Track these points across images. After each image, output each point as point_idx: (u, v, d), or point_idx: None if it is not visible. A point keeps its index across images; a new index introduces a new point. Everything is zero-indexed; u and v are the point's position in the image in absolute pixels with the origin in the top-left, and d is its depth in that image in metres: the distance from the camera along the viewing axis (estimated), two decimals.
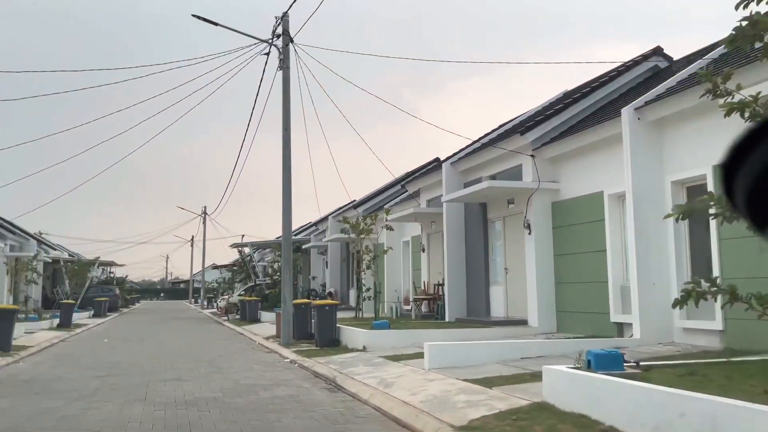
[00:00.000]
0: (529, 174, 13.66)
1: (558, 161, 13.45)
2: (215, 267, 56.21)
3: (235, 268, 39.77)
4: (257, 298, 26.00)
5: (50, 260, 39.88)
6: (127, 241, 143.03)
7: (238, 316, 27.94)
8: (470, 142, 16.93)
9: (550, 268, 13.38)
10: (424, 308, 18.36)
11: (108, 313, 36.12)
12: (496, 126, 18.13)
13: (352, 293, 26.77)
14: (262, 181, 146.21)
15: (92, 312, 33.83)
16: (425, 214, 18.15)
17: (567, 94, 17.53)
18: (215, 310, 39.31)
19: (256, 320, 24.55)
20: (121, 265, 56.12)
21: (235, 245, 35.09)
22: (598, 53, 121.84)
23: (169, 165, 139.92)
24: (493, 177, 14.72)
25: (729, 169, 0.87)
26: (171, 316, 35.29)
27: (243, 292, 33.11)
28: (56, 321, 22.75)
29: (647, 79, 14.79)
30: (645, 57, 15.02)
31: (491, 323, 14.05)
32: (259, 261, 36.64)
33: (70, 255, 46.62)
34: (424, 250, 19.26)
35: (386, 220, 16.16)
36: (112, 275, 56.11)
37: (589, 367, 6.35)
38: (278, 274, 28.54)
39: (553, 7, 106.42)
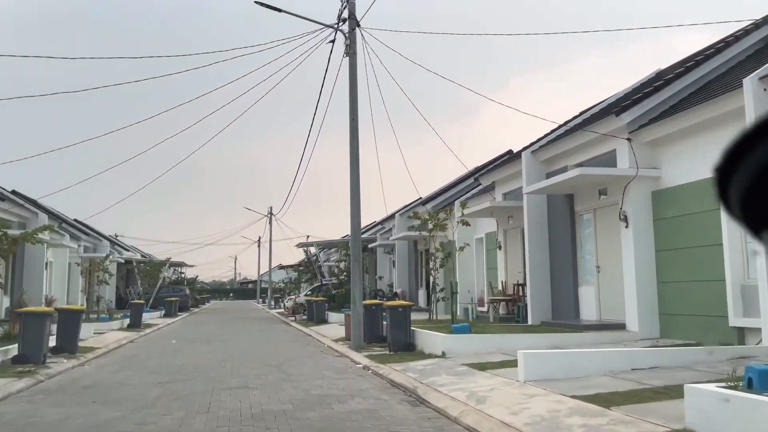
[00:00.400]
0: (624, 160, 12.15)
1: (659, 145, 11.87)
2: (281, 267, 56.28)
3: (301, 268, 39.39)
4: (324, 298, 25.26)
5: (123, 261, 40.71)
6: (196, 242, 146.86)
7: (305, 317, 27.36)
8: (551, 129, 15.49)
9: (651, 266, 11.83)
10: (501, 310, 17.02)
11: (178, 313, 36.40)
12: (577, 113, 16.58)
13: (421, 294, 25.67)
14: (327, 181, 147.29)
15: (163, 312, 34.14)
16: (502, 209, 16.81)
17: (660, 74, 15.81)
18: (282, 310, 39.07)
19: (323, 321, 23.81)
20: (192, 266, 57.02)
21: (300, 245, 34.64)
22: (674, 43, 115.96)
23: (236, 167, 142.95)
24: (579, 165, 13.26)
25: (724, 173, 0.87)
26: (239, 316, 35.19)
27: (309, 293, 32.58)
28: (127, 321, 22.71)
29: (758, 51, 13.00)
30: (756, 26, 13.21)
31: (582, 327, 12.60)
32: (324, 261, 36.05)
33: (142, 256, 47.63)
34: (500, 248, 17.91)
35: (462, 215, 14.93)
36: (183, 276, 57.07)
37: (749, 386, 5.00)
38: (345, 273, 27.78)
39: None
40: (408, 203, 27.45)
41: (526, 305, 15.31)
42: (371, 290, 27.28)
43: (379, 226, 32.17)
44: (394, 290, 28.07)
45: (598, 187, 13.04)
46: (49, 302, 19.77)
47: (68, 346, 12.99)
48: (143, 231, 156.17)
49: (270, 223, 52.20)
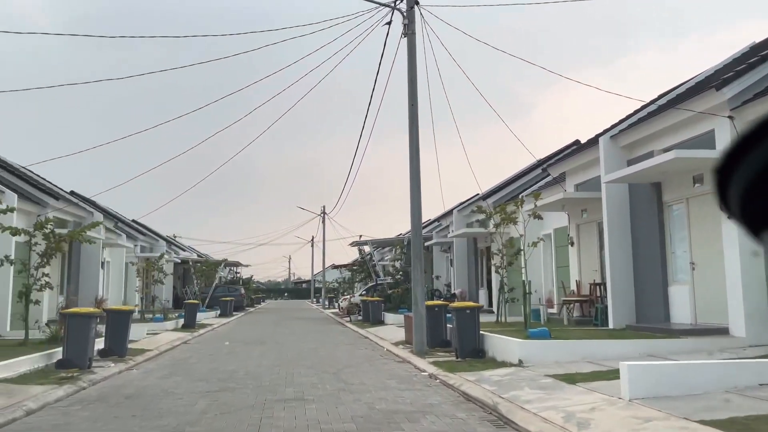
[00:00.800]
0: (726, 141, 10.57)
1: None
2: (335, 267, 55.65)
3: (354, 267, 38.50)
4: (380, 298, 24.23)
5: (180, 261, 40.82)
6: (250, 243, 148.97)
7: (360, 317, 26.41)
8: (633, 111, 13.95)
9: (760, 262, 10.22)
10: (575, 312, 15.55)
11: (234, 313, 36.12)
12: (658, 94, 14.94)
13: (482, 294, 24.30)
14: (379, 182, 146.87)
15: (218, 312, 33.88)
16: (575, 201, 15.34)
17: (755, 48, 14.04)
18: (336, 310, 38.30)
19: (379, 322, 22.78)
20: (247, 266, 56.99)
21: (354, 244, 33.75)
22: (730, 37, 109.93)
23: (290, 167, 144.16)
24: (668, 150, 11.71)
25: (723, 174, 0.88)
26: (293, 316, 34.59)
27: (364, 292, 31.64)
28: (181, 321, 22.26)
29: None
30: None
31: (677, 332, 11.08)
32: (378, 260, 35.08)
33: (198, 256, 47.84)
34: (572, 244, 16.42)
35: (535, 206, 13.57)
36: (238, 275, 57.20)
37: None
38: (400, 273, 26.68)
39: None
40: (465, 199, 26.12)
41: (605, 307, 13.82)
42: (428, 290, 26.05)
43: (436, 224, 30.94)
44: (453, 290, 26.80)
45: (693, 174, 11.48)
46: (99, 302, 19.42)
47: (117, 348, 12.35)
48: (200, 232, 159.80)
49: (323, 222, 51.63)
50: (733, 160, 0.86)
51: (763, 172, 0.83)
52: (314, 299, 74.34)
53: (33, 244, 12.16)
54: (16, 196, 17.11)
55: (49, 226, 12.36)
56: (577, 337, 10.99)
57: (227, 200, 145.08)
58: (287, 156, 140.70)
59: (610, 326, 13.11)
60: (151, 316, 22.60)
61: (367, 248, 34.53)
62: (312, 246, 76.20)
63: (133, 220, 38.29)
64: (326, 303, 50.30)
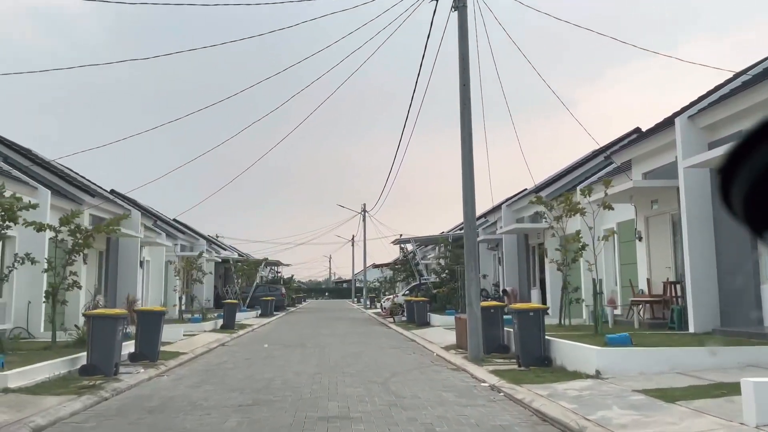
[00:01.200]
0: None
1: None
2: (375, 266, 54.65)
3: (397, 266, 37.31)
4: (425, 298, 22.99)
5: (220, 260, 40.38)
6: (289, 242, 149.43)
7: (404, 318, 25.25)
8: (714, 86, 12.38)
9: None
10: (646, 314, 14.02)
11: (275, 313, 35.43)
12: (742, 69, 13.26)
13: (534, 294, 22.81)
14: (420, 180, 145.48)
15: (259, 311, 33.21)
16: (646, 190, 13.81)
17: None
18: (379, 310, 37.20)
19: (425, 323, 21.56)
20: (287, 265, 56.42)
21: (396, 241, 32.59)
22: None
23: (330, 167, 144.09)
24: None
25: (727, 174, 0.90)
26: (334, 316, 33.65)
27: (407, 292, 30.49)
28: (220, 322, 21.50)
29: None
30: None
31: None
32: (420, 259, 33.81)
33: (239, 255, 47.46)
34: (640, 239, 14.88)
35: (606, 195, 12.12)
36: (279, 275, 56.67)
37: None
38: (446, 272, 25.40)
39: None
40: (515, 193, 24.64)
41: (682, 308, 12.29)
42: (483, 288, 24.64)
43: (483, 220, 29.52)
44: (502, 289, 25.38)
45: None
46: (130, 303, 18.72)
47: (148, 352, 11.48)
48: (241, 232, 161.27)
49: (363, 220, 50.56)
50: (736, 159, 0.87)
51: (765, 173, 0.86)
52: (355, 299, 73.40)
53: (59, 240, 11.39)
54: (49, 192, 16.55)
55: (75, 221, 11.55)
56: (660, 344, 9.55)
57: (268, 200, 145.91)
58: (325, 154, 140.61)
59: (691, 330, 11.59)
60: (189, 316, 21.91)
61: (409, 246, 33.33)
62: (352, 245, 75.53)
63: (174, 219, 37.93)
64: (368, 303, 49.21)
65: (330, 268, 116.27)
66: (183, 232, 32.71)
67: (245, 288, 39.14)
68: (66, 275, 11.53)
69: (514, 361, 10.53)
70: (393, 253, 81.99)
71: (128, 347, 11.68)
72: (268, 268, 51.25)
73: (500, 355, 11.73)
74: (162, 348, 13.90)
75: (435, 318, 21.72)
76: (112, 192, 27.14)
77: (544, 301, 21.20)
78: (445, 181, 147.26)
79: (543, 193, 20.43)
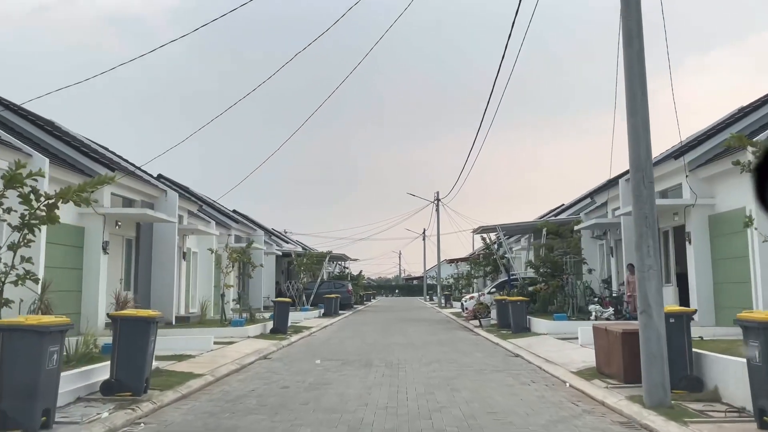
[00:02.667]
0: None
1: None
2: (450, 261, 49.87)
3: (479, 260, 32.41)
4: (525, 298, 18.15)
5: (281, 253, 36.83)
6: (359, 237, 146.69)
7: (493, 321, 20.55)
8: None
9: None
10: None
11: (340, 312, 31.46)
12: None
13: (668, 293, 17.50)
14: (493, 181, 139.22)
15: (322, 310, 29.27)
16: None
17: None
18: (457, 310, 32.45)
19: (524, 330, 16.80)
20: (354, 260, 52.50)
21: (479, 230, 27.72)
22: None
23: (403, 165, 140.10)
24: None
25: (762, 171, 0.94)
26: (407, 317, 29.24)
27: (494, 290, 25.66)
28: (271, 325, 17.55)
29: None
30: None
31: None
32: (508, 251, 28.92)
33: (303, 249, 43.84)
34: None
35: None
36: (347, 270, 52.97)
37: None
38: (548, 266, 20.44)
39: None
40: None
41: None
42: (585, 288, 19.68)
43: (588, 200, 24.32)
44: (614, 288, 20.19)
45: None
46: (121, 302, 14.92)
47: (129, 380, 7.39)
48: (313, 229, 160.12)
49: (437, 209, 45.87)
50: None
51: None
52: (427, 296, 68.92)
53: (5, 210, 7.46)
54: (47, 161, 12.96)
55: (29, 182, 7.58)
56: None
57: (340, 198, 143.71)
58: (399, 156, 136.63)
59: None
60: (233, 316, 17.98)
61: (493, 236, 28.42)
62: (423, 239, 70.98)
63: (234, 211, 34.70)
64: (442, 301, 44.50)
65: (399, 265, 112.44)
66: (237, 222, 29.17)
67: (308, 284, 35.49)
68: (13, 262, 7.57)
69: (731, 410, 5.80)
70: (467, 248, 76.95)
71: (101, 373, 7.67)
72: (335, 263, 47.52)
73: (691, 395, 6.98)
74: (174, 365, 9.97)
75: (537, 323, 16.91)
76: (160, 178, 23.86)
77: (685, 302, 16.02)
78: (522, 175, 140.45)
79: (689, 156, 15.27)
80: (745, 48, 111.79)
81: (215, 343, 13.27)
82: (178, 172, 46.00)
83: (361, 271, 62.54)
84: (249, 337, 15.58)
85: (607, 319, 15.99)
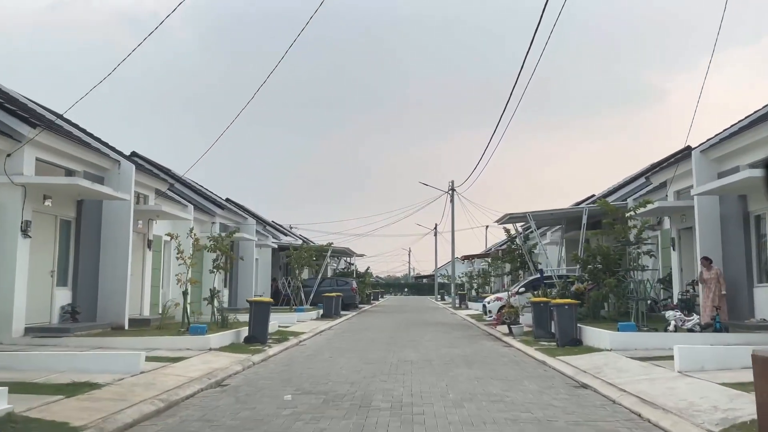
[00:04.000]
0: None
1: None
2: (464, 258, 45.80)
3: (503, 255, 28.21)
4: (574, 301, 14.03)
5: (276, 246, 32.94)
6: (366, 232, 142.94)
7: (524, 328, 16.60)
8: None
9: None
10: None
11: (343, 312, 27.53)
12: None
13: (761, 293, 13.44)
14: (509, 171, 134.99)
15: (321, 311, 25.34)
16: None
17: None
18: (475, 311, 28.54)
19: (574, 342, 12.80)
20: (360, 255, 48.20)
21: (506, 218, 23.57)
22: None
23: (414, 164, 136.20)
24: None
25: None
26: (418, 320, 25.24)
27: (523, 289, 21.65)
28: (246, 332, 13.62)
29: None
30: None
31: None
32: (537, 245, 24.88)
33: (304, 242, 39.78)
34: None
35: None
36: (353, 266, 49.13)
37: None
38: (597, 260, 16.39)
39: None
40: (723, 130, 15.20)
41: None
42: (653, 287, 15.55)
43: (642, 180, 20.22)
44: (680, 288, 16.10)
45: None
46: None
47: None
48: (320, 225, 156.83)
49: (451, 200, 41.62)
50: None
51: None
52: (439, 296, 65.10)
53: None
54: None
55: None
56: None
57: (350, 193, 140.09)
58: (408, 154, 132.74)
59: None
60: (184, 325, 13.83)
61: (519, 227, 24.32)
62: (435, 235, 67.08)
63: (227, 199, 30.92)
64: (457, 302, 40.40)
65: (409, 263, 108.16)
66: (223, 208, 25.30)
67: (308, 281, 31.58)
68: None
69: None
70: (480, 245, 72.77)
71: None
72: (340, 258, 43.50)
73: None
74: (49, 406, 6.14)
75: (592, 334, 12.87)
76: (133, 155, 20.05)
77: None
78: (539, 171, 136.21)
79: None
80: (759, 48, 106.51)
81: (154, 360, 9.42)
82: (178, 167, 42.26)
83: (368, 268, 58.79)
84: (211, 349, 11.65)
85: (691, 330, 11.97)
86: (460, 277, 48.61)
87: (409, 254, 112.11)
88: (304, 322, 21.42)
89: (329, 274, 39.04)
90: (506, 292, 21.41)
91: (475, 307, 31.64)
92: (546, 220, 24.40)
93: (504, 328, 17.29)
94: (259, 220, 33.67)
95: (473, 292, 42.52)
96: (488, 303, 22.62)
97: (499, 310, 19.31)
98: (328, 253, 33.69)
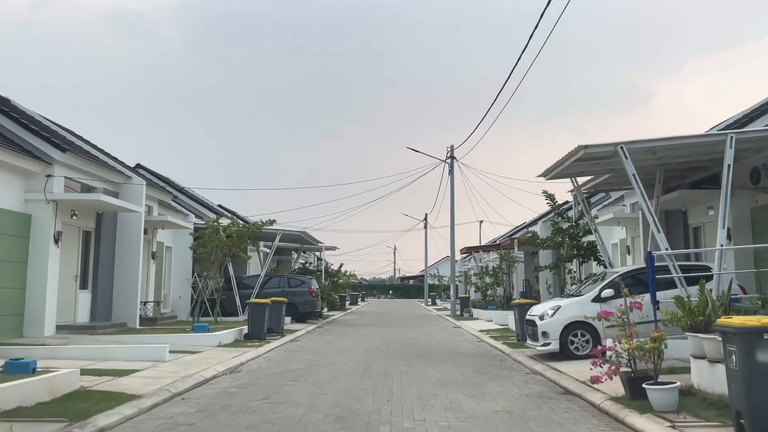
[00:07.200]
0: None
1: None
2: (466, 250, 46.33)
3: (544, 241, 22.97)
4: None
5: (191, 227, 27.37)
6: (349, 230, 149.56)
7: (673, 384, 8.13)
8: None
9: None
10: None
11: (293, 327, 24.90)
12: None
13: None
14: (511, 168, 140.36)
15: (246, 328, 19.48)
16: None
17: None
18: (484, 322, 28.92)
19: None
20: (332, 248, 46.46)
21: (577, 156, 13.67)
22: None
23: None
24: None
25: None
26: (409, 343, 20.27)
27: (609, 292, 14.11)
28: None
29: None
30: None
31: None
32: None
33: (244, 223, 29.25)
34: None
35: None
36: (330, 264, 50.98)
37: None
38: None
39: None
40: None
41: None
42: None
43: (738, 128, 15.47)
44: None
45: None
46: None
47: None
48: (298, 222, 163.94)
49: (450, 171, 39.67)
50: None
51: None
52: (429, 299, 66.82)
53: None
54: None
55: None
56: None
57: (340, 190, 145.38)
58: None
59: None
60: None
61: (580, 183, 18.43)
62: (425, 226, 68.93)
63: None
64: (457, 308, 38.77)
65: (394, 262, 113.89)
66: (64, 150, 17.84)
67: (246, 279, 29.61)
68: None
69: None
70: (473, 240, 72.67)
71: None
72: (307, 252, 43.41)
73: None
74: None
75: None
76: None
77: None
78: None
79: None
80: (739, 54, 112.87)
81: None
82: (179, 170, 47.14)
83: (341, 265, 60.23)
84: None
85: None
86: (458, 277, 49.44)
87: (394, 252, 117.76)
88: (199, 352, 15.76)
89: (274, 269, 34.94)
90: (569, 298, 15.56)
91: (485, 317, 31.33)
92: (647, 164, 15.69)
93: (615, 386, 9.39)
94: (176, 188, 33.19)
95: (482, 296, 41.64)
96: (543, 318, 14.90)
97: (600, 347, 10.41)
98: (277, 239, 29.72)
